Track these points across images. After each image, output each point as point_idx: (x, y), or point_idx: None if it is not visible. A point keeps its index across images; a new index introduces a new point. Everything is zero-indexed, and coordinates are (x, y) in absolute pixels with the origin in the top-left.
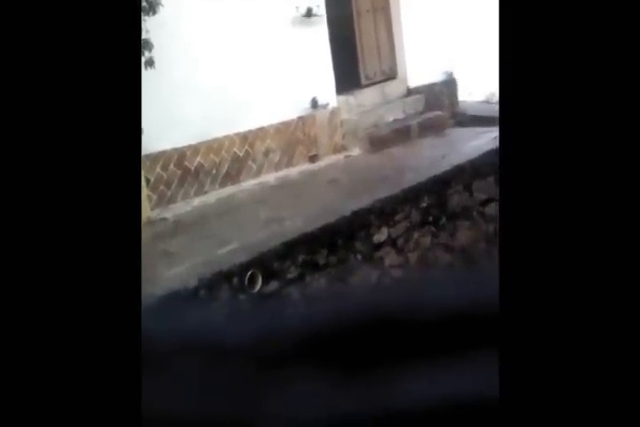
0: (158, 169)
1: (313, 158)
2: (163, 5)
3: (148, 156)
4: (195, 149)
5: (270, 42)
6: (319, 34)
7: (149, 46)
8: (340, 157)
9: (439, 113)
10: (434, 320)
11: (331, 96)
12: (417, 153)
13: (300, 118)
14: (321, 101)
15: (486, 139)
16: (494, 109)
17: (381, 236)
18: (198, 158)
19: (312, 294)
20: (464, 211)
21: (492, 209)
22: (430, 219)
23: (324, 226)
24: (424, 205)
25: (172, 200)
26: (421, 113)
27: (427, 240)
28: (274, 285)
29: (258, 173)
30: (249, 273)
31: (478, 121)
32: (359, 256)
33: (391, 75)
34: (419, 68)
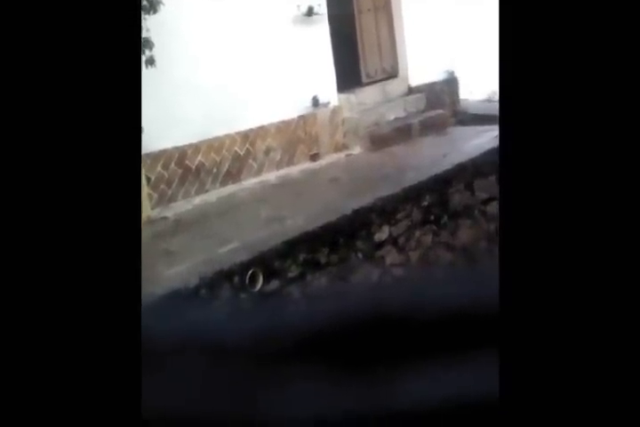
0: (159, 168)
1: (314, 157)
2: (163, 4)
3: (148, 154)
4: (196, 147)
5: (271, 40)
6: (320, 32)
7: (150, 45)
8: (341, 155)
9: (440, 111)
10: (434, 319)
11: (332, 94)
12: (418, 152)
13: (301, 117)
14: (322, 100)
15: (487, 137)
16: (495, 108)
17: (382, 234)
18: (199, 157)
19: (313, 293)
20: (465, 210)
21: (494, 208)
22: (432, 218)
23: (325, 225)
24: (425, 203)
25: (172, 199)
26: (423, 111)
27: (428, 239)
28: (275, 283)
29: (259, 171)
30: (250, 272)
31: (479, 119)
32: (360, 255)
33: (392, 73)
34: (420, 67)
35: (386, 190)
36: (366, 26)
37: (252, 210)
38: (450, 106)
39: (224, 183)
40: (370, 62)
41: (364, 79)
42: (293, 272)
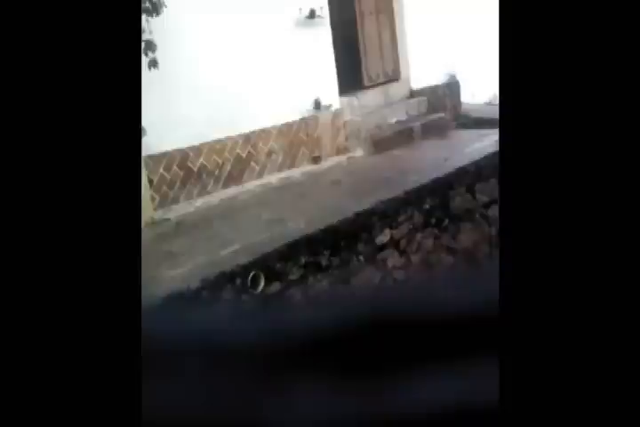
0: (161, 170)
1: (316, 160)
2: (166, 6)
3: (151, 156)
4: (198, 149)
5: (274, 43)
6: (322, 35)
7: (153, 47)
8: (343, 158)
9: (442, 115)
10: (435, 323)
11: (334, 97)
12: (420, 155)
13: (303, 119)
14: (324, 103)
15: (489, 141)
16: (497, 112)
17: (384, 237)
18: (201, 159)
19: (315, 296)
20: (466, 213)
21: (495, 211)
22: (433, 221)
23: (327, 227)
24: (427, 206)
25: (174, 201)
26: (424, 115)
27: (429, 242)
28: (276, 286)
29: (260, 174)
30: (251, 274)
31: (481, 123)
32: (362, 258)
33: (394, 76)
34: (422, 70)
35: (387, 193)
36: (368, 29)
37: (253, 212)
38: (451, 109)
39: (226, 185)
40: (372, 65)
41: (366, 82)
42: (295, 275)
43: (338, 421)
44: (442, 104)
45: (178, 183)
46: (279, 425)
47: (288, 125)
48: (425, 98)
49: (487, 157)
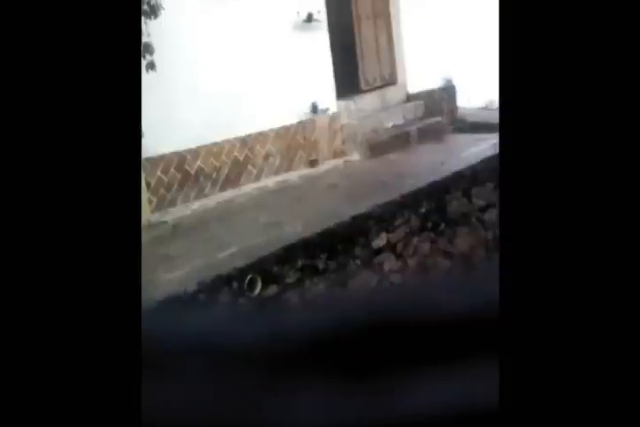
0: (159, 172)
1: (313, 163)
2: (164, 9)
3: (148, 159)
4: (195, 152)
5: (271, 46)
6: (320, 39)
7: (150, 50)
8: (340, 161)
9: (438, 119)
10: (435, 325)
11: (331, 101)
12: (416, 159)
13: (300, 123)
14: (321, 106)
15: (485, 145)
16: (493, 116)
17: (381, 241)
18: (198, 162)
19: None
20: (463, 217)
21: (491, 215)
22: (429, 225)
23: (324, 231)
24: (423, 210)
25: (172, 204)
26: (421, 119)
27: (426, 246)
28: (273, 289)
29: (258, 177)
30: (248, 277)
31: (477, 127)
32: (358, 261)
33: (391, 80)
34: (418, 74)
35: (384, 197)
36: (365, 33)
37: (250, 215)
38: (448, 113)
39: (223, 188)
40: (369, 69)
41: (363, 86)
42: (292, 278)
43: (337, 423)
44: (438, 108)
45: (175, 186)
46: (277, 426)
47: (285, 129)
48: (421, 102)
49: (483, 162)
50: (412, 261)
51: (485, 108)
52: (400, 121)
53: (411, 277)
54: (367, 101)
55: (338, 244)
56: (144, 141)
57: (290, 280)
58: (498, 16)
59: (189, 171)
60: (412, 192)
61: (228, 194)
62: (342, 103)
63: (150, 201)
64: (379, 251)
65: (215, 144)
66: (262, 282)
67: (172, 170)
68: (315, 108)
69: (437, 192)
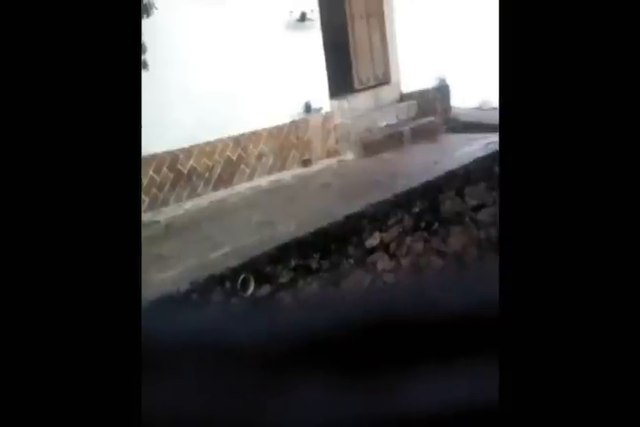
0: (151, 172)
1: (306, 162)
2: (157, 8)
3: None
4: (188, 152)
5: (264, 46)
6: (313, 38)
7: (143, 49)
8: (333, 161)
9: (432, 119)
10: (435, 324)
11: (324, 100)
12: (409, 158)
13: (294, 122)
14: (314, 106)
15: (478, 145)
16: (487, 116)
17: (374, 241)
18: (191, 162)
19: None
20: (456, 216)
21: (484, 215)
22: (423, 224)
23: (317, 230)
24: (416, 210)
25: (164, 203)
26: (414, 118)
27: (419, 245)
28: (266, 289)
29: (251, 176)
30: (241, 277)
31: (470, 127)
32: (352, 261)
33: (384, 80)
34: (412, 74)
35: (377, 196)
36: (359, 32)
37: (243, 215)
38: (441, 113)
39: (216, 188)
40: (362, 69)
41: (357, 85)
42: (285, 278)
43: (335, 422)
44: (432, 108)
45: (167, 186)
46: (275, 425)
47: (278, 128)
48: (415, 102)
49: (477, 161)
50: (405, 261)
51: (479, 108)
52: (393, 120)
53: (404, 276)
54: (361, 101)
55: (331, 243)
56: None
57: (283, 280)
58: (494, 15)
59: (182, 170)
60: (406, 192)
61: (221, 193)
62: (336, 103)
63: (142, 201)
64: (372, 250)
65: (208, 143)
66: (255, 282)
67: (165, 169)
68: (308, 108)
69: (431, 192)
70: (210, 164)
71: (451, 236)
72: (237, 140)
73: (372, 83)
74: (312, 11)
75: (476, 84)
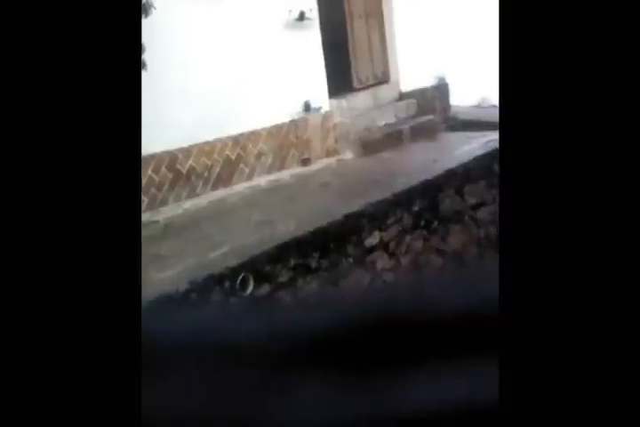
0: (149, 172)
1: (305, 162)
2: (155, 8)
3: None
4: (187, 151)
5: (263, 45)
6: (312, 37)
7: (142, 49)
8: (333, 160)
9: (431, 117)
10: (435, 323)
11: (323, 99)
12: (409, 157)
13: (293, 122)
14: (313, 105)
15: (478, 143)
16: (486, 114)
17: (373, 239)
18: (190, 161)
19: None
20: (455, 215)
21: (483, 213)
22: (422, 223)
23: (316, 229)
24: (416, 209)
25: (163, 203)
26: (413, 117)
27: (418, 244)
28: (265, 288)
29: (250, 176)
30: (240, 276)
31: (470, 125)
32: (351, 260)
33: (383, 79)
34: (411, 73)
35: (376, 195)
36: (358, 31)
37: (242, 214)
38: (440, 112)
39: (215, 187)
40: (361, 68)
41: (356, 84)
42: (284, 277)
43: (336, 421)
44: (431, 107)
45: (166, 185)
46: (276, 425)
47: (278, 127)
48: (414, 100)
49: (476, 159)
50: (404, 260)
51: (478, 106)
52: (393, 119)
53: (404, 275)
54: (360, 100)
55: (330, 242)
56: None
57: (282, 279)
58: (493, 14)
59: (181, 170)
60: (405, 190)
61: (220, 193)
62: (335, 102)
63: (141, 200)
64: (371, 249)
65: (207, 143)
66: (254, 281)
67: (164, 169)
68: (307, 107)
69: (430, 190)
70: (209, 163)
71: (450, 234)
72: (236, 140)
73: (371, 82)
74: (311, 10)
75: (475, 83)
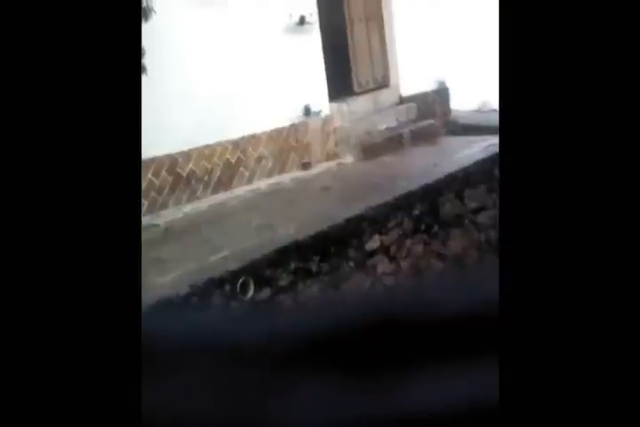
0: (149, 175)
1: (305, 166)
2: (156, 12)
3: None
4: (187, 155)
5: (263, 49)
6: (312, 41)
7: (142, 53)
8: (333, 164)
9: (431, 121)
10: (435, 324)
11: (323, 103)
12: (409, 161)
13: (293, 125)
14: (314, 109)
15: (478, 148)
16: (486, 118)
17: (374, 243)
18: (190, 165)
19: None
20: (456, 219)
21: (484, 217)
22: (422, 227)
23: (317, 233)
24: (416, 212)
25: (163, 206)
26: (414, 121)
27: (419, 248)
28: (266, 292)
29: (250, 179)
30: (241, 280)
31: (470, 130)
32: (351, 264)
33: (383, 83)
34: (411, 77)
35: (377, 199)
36: (358, 36)
37: (243, 218)
38: (441, 116)
39: (215, 191)
40: (361, 72)
41: (356, 88)
42: (284, 281)
43: (337, 422)
44: (431, 111)
45: (166, 189)
46: (275, 425)
47: (278, 131)
48: (414, 104)
49: (476, 164)
50: (405, 264)
51: (478, 111)
52: (393, 123)
53: (404, 279)
54: (360, 104)
55: (331, 246)
56: None
57: (283, 283)
58: (493, 18)
59: (181, 173)
60: (405, 194)
61: (221, 197)
62: (335, 106)
63: (141, 204)
64: (372, 253)
65: (207, 147)
66: (255, 285)
67: (164, 172)
68: (307, 111)
69: (430, 194)
70: (209, 167)
71: (451, 238)
72: (237, 144)
73: (371, 86)
74: (311, 14)
75: (476, 87)
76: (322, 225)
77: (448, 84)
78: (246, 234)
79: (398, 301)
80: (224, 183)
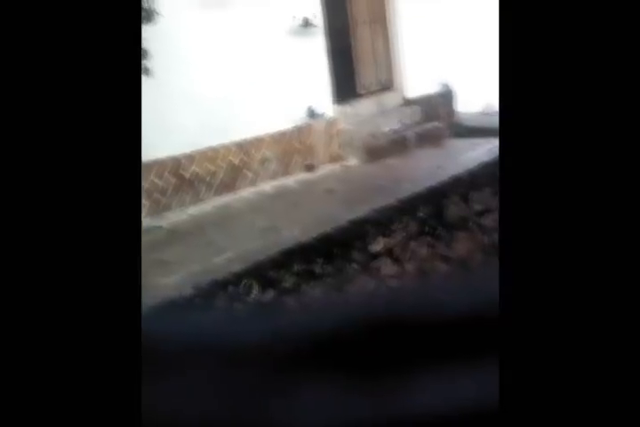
0: (152, 177)
1: (309, 168)
2: (159, 14)
3: (142, 163)
4: (190, 157)
5: (267, 51)
6: (316, 44)
7: (146, 55)
8: (337, 166)
9: (436, 124)
10: (435, 325)
11: (327, 106)
12: (413, 163)
13: (297, 128)
14: (318, 111)
15: (483, 150)
16: (491, 120)
17: (378, 246)
18: (194, 167)
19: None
20: (460, 221)
21: (489, 220)
22: (427, 229)
23: (321, 235)
24: (420, 215)
25: (167, 208)
26: (418, 123)
27: (423, 250)
28: (270, 294)
29: (254, 182)
30: (244, 282)
31: (475, 132)
32: (355, 266)
33: (388, 85)
34: (415, 79)
35: (381, 202)
36: (362, 38)
37: (246, 220)
38: (445, 118)
39: (219, 193)
40: (365, 74)
41: (360, 91)
42: (288, 282)
43: (339, 424)
44: (436, 113)
45: (170, 191)
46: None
47: (282, 133)
48: (419, 107)
49: (481, 166)
50: (409, 266)
51: (483, 113)
52: (397, 126)
53: (408, 281)
54: (364, 106)
55: (335, 248)
56: None
57: (286, 285)
58: (497, 20)
59: (184, 175)
60: (410, 197)
61: (225, 199)
62: (339, 108)
63: (143, 205)
64: (376, 255)
65: (211, 149)
66: (259, 287)
67: (167, 174)
68: (311, 113)
69: (435, 197)
70: (212, 169)
71: (455, 241)
72: (240, 146)
73: (375, 88)
74: (315, 16)
75: (480, 89)
76: (326, 227)
77: (452, 87)
78: (250, 236)
79: (401, 302)
80: (228, 185)
